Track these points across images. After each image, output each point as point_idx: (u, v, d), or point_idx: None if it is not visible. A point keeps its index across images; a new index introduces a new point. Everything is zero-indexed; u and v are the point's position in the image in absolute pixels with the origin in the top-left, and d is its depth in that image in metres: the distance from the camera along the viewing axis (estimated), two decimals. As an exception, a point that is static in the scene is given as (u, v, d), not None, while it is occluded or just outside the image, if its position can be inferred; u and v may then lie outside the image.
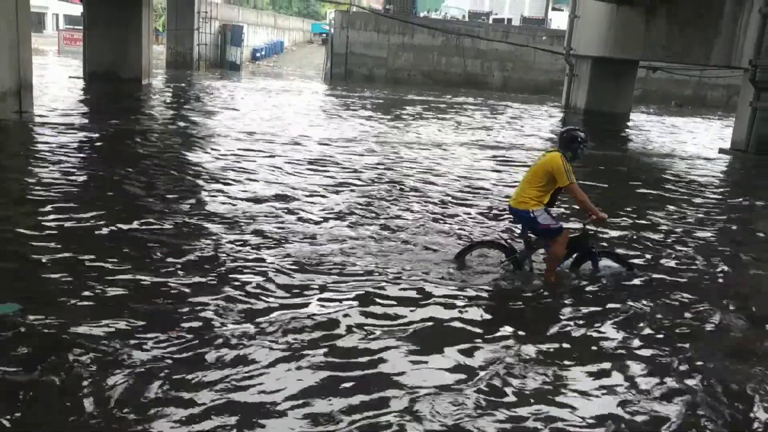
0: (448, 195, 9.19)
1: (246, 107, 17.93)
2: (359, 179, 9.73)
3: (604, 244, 7.00)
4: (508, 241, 6.40)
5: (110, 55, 20.83)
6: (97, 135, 11.95)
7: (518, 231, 6.27)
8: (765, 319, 5.55)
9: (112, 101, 17.19)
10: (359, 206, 8.10)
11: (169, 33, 31.80)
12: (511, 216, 6.14)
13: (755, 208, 10.36)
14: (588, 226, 6.03)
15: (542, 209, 5.65)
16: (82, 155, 10.39)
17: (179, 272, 5.50)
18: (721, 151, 16.32)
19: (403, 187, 9.45)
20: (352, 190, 8.96)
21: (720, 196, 11.11)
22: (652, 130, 20.68)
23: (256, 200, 8.05)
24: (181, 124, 14.45)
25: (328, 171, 10.12)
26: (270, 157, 10.91)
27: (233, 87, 24.00)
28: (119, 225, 6.65)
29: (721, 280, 6.56)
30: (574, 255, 6.06)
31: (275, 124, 14.97)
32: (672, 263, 6.81)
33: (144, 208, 7.40)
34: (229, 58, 34.15)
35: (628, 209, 9.10)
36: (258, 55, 38.71)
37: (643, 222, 8.53)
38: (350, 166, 10.63)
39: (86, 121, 13.94)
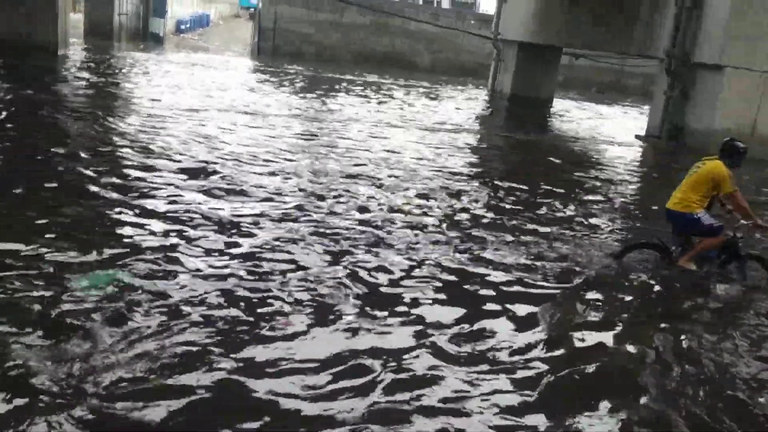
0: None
1: (173, 84, 17.29)
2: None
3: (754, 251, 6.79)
4: (663, 241, 6.52)
5: (21, 22, 19.52)
6: None
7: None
8: None
9: (19, 74, 16.16)
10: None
11: (87, 1, 30.31)
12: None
13: None
14: (738, 233, 6.26)
15: (704, 211, 6.13)
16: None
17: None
18: (637, 137, 16.95)
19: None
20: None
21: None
22: (574, 116, 21.25)
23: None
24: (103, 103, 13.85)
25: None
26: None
27: (157, 61, 23.13)
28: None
29: None
30: (722, 257, 6.35)
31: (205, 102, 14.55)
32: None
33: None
34: (152, 30, 32.85)
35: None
36: (183, 27, 37.44)
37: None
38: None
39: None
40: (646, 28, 17.59)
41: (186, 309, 4.48)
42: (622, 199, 9.82)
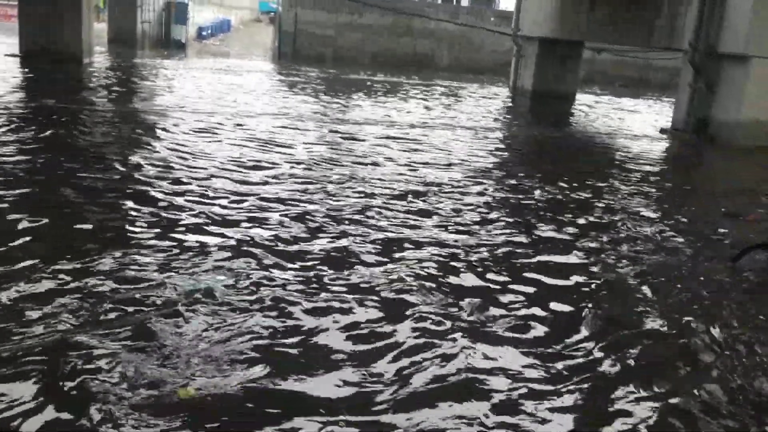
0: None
1: (196, 88, 17.49)
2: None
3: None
4: None
5: (47, 32, 19.94)
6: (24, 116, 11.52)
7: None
8: None
9: (48, 82, 16.52)
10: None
11: (111, 9, 30.77)
12: None
13: None
14: None
15: None
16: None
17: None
18: (663, 131, 16.76)
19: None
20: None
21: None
22: (598, 111, 21.06)
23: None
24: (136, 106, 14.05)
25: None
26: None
27: (180, 67, 23.40)
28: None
29: None
30: None
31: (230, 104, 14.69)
32: None
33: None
34: (174, 37, 33.23)
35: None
36: (204, 33, 37.76)
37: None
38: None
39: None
40: (670, 20, 17.39)
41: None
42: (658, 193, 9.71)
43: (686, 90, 15.98)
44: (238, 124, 12.13)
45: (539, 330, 4.68)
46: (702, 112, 15.62)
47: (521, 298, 5.24)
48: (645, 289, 5.61)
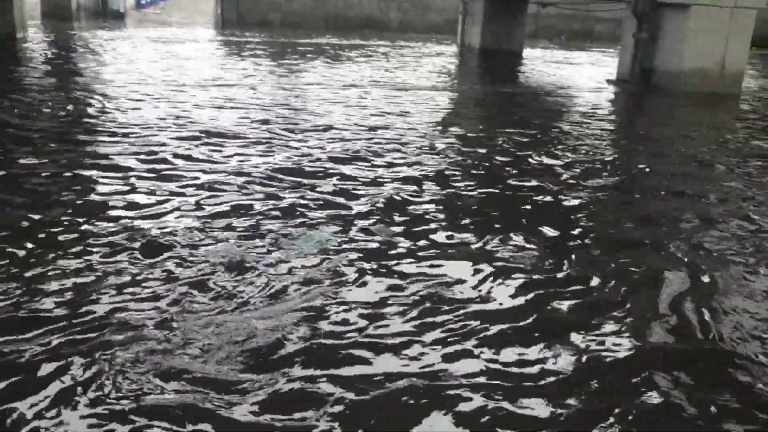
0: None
1: (140, 58, 17.01)
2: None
3: None
4: None
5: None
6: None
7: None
8: None
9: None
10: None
11: (43, -19, 29.53)
12: None
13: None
14: None
15: None
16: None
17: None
18: (609, 82, 17.01)
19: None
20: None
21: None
22: (545, 65, 21.22)
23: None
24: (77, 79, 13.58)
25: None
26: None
27: (118, 38, 22.67)
28: None
29: None
30: None
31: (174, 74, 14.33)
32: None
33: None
34: (112, 7, 32.17)
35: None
36: (143, 2, 36.71)
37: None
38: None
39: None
40: (612, -29, 17.54)
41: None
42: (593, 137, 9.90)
43: (630, 41, 16.20)
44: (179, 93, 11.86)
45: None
46: (646, 61, 15.89)
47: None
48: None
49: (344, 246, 5.04)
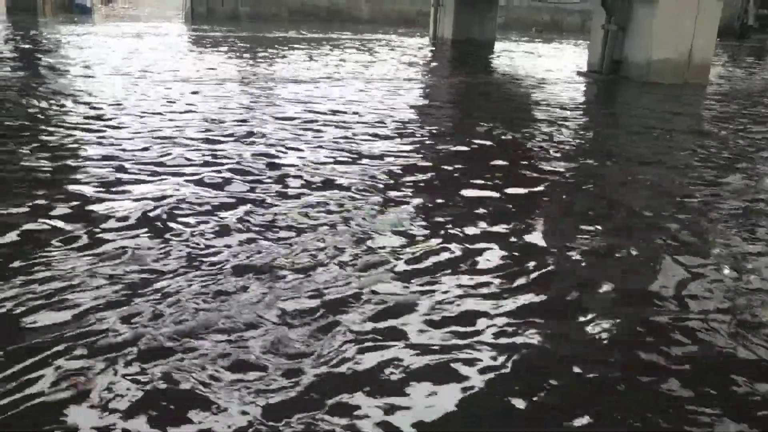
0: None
1: (109, 55, 16.77)
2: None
3: None
4: None
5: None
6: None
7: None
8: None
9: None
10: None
11: (5, -25, 28.95)
12: None
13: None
14: None
15: None
16: None
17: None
18: (579, 74, 17.21)
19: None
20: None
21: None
22: (515, 56, 21.38)
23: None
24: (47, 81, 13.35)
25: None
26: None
27: (85, 32, 22.30)
28: None
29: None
30: None
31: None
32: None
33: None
34: (78, 1, 31.63)
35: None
36: (110, -4, 36.14)
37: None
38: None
39: None
40: (580, -37, 17.71)
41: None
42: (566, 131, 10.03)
43: (599, 32, 16.41)
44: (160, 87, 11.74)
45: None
46: (615, 53, 16.12)
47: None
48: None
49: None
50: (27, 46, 17.86)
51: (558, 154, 8.34)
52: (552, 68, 18.78)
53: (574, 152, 8.61)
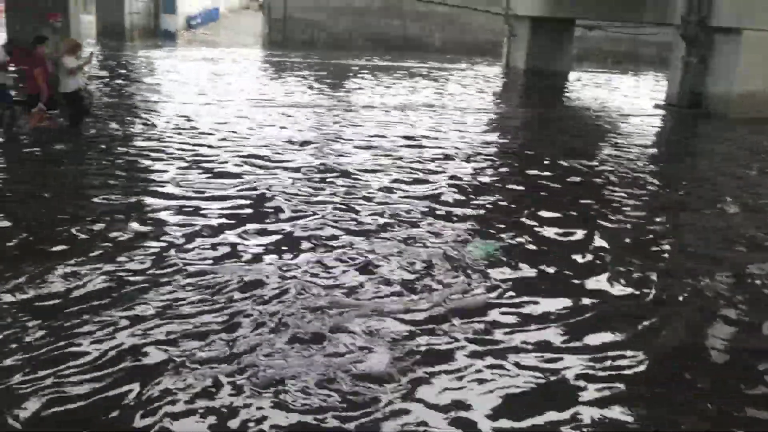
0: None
1: (196, 77, 17.44)
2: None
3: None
4: None
5: (34, 27, 19.78)
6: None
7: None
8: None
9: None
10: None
11: (98, 2, 30.52)
12: None
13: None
14: None
15: None
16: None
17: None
18: (657, 106, 16.81)
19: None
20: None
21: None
22: (591, 88, 21.08)
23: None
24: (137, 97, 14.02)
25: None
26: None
27: (171, 57, 23.29)
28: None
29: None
30: None
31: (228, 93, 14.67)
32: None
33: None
34: (163, 27, 33.03)
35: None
36: (193, 22, 37.53)
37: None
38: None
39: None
40: (660, -5, 17.38)
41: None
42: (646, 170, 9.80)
43: (679, 64, 16.01)
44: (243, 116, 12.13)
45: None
46: (695, 86, 15.67)
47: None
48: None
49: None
50: (123, 71, 18.72)
51: (640, 193, 8.04)
52: (628, 100, 18.40)
53: (655, 193, 8.25)
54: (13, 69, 10.27)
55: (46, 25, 19.42)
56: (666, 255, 6.12)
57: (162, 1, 33.10)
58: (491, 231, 6.15)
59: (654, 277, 5.39)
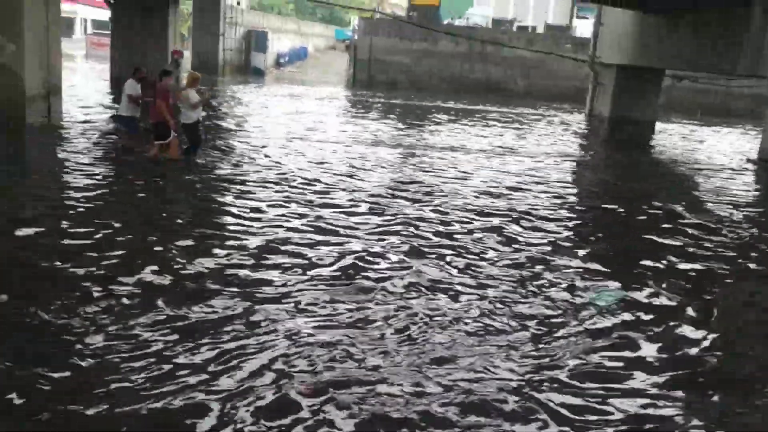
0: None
1: (281, 115, 18.00)
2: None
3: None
4: None
5: (136, 60, 20.98)
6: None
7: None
8: None
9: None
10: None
11: (195, 37, 32.13)
12: None
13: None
14: None
15: None
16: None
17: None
18: (750, 161, 16.13)
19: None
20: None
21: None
22: (679, 140, 20.47)
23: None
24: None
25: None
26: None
27: (261, 94, 24.15)
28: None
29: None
30: None
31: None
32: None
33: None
34: (254, 64, 34.38)
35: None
36: (282, 60, 38.92)
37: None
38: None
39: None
40: (755, 47, 16.75)
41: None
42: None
43: (774, 118, 15.38)
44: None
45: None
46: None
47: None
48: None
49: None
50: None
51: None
52: (719, 154, 17.70)
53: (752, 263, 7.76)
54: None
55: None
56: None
57: (254, 39, 34.52)
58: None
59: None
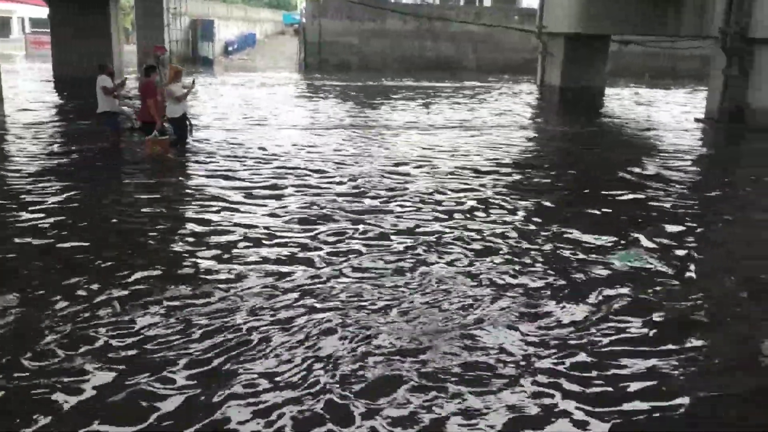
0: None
1: (230, 104, 17.75)
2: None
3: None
4: None
5: (79, 58, 20.43)
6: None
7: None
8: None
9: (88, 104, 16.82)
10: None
11: (139, 31, 31.41)
12: None
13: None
14: None
15: None
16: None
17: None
18: (697, 120, 16.52)
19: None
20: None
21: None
22: (628, 104, 20.84)
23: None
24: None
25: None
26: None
27: (210, 83, 23.76)
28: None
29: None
30: None
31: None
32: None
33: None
34: (202, 53, 33.78)
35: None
36: (230, 48, 38.28)
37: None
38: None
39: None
40: (698, 7, 17.14)
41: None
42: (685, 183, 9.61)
43: (719, 77, 15.74)
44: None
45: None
46: (736, 99, 15.37)
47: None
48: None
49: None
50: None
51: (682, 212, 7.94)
52: (667, 115, 18.09)
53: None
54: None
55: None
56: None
57: (200, 28, 33.89)
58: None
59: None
